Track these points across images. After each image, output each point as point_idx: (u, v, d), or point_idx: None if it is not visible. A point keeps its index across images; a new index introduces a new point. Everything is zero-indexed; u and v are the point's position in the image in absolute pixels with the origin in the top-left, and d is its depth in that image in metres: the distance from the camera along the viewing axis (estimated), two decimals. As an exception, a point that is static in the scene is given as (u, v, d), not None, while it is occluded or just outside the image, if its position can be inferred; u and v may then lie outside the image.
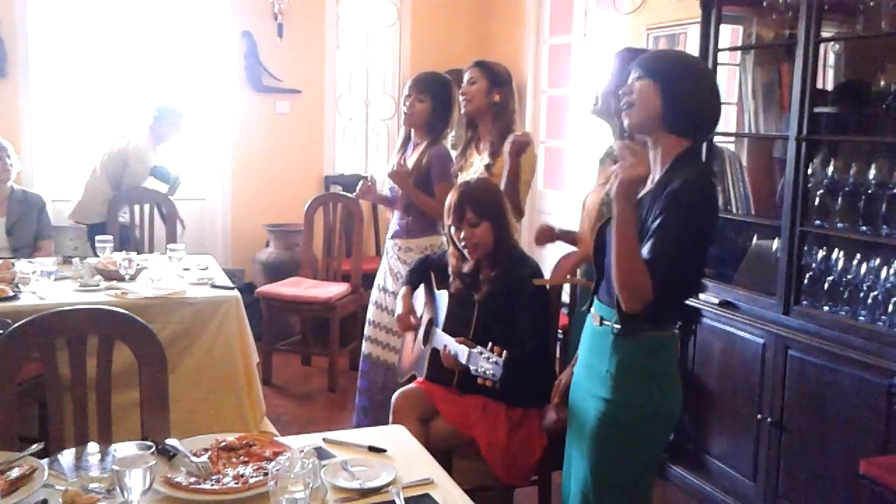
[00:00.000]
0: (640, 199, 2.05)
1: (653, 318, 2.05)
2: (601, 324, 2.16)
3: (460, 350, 2.58)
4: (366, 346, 3.76)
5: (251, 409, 3.58)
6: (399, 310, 3.09)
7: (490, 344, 2.46)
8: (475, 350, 2.49)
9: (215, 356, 3.47)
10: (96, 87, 5.66)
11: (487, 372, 2.42)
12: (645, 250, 1.97)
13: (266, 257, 5.68)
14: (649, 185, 2.10)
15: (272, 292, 4.89)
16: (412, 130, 3.73)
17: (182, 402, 3.17)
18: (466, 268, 2.92)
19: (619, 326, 2.07)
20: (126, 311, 2.23)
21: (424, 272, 3.13)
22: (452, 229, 2.87)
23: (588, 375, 2.22)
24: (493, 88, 3.39)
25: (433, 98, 3.62)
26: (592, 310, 2.23)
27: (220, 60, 5.81)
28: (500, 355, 2.40)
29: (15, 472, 1.69)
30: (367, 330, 3.77)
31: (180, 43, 5.79)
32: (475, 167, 3.39)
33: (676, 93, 2.03)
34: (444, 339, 2.76)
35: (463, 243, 2.84)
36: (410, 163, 3.65)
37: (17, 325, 2.11)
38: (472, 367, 2.49)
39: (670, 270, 1.96)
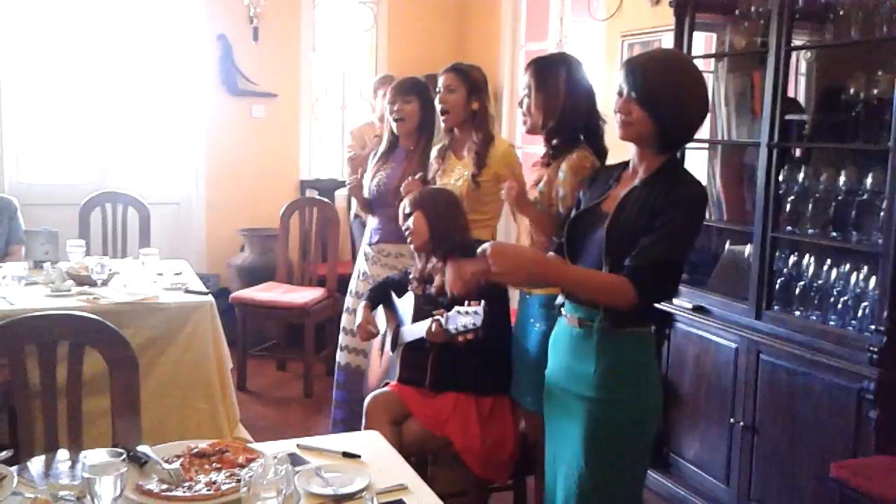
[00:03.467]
0: (628, 193, 2.13)
1: (637, 314, 2.09)
2: (580, 325, 2.17)
3: (438, 318, 2.59)
4: (341, 357, 3.71)
5: (225, 416, 3.54)
6: (358, 319, 3.11)
7: (466, 301, 2.48)
8: (450, 313, 2.52)
9: (189, 362, 3.44)
10: (70, 89, 5.60)
11: (469, 324, 2.43)
12: (646, 244, 2.03)
13: (241, 262, 5.64)
14: (633, 182, 2.14)
15: (247, 297, 4.87)
16: (399, 139, 3.63)
17: (154, 408, 3.15)
18: (424, 268, 2.98)
19: (605, 324, 2.10)
20: (97, 317, 2.21)
21: (385, 292, 3.16)
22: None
23: (568, 378, 2.22)
24: (472, 97, 3.28)
25: (419, 98, 3.56)
26: (565, 312, 2.23)
27: (195, 63, 5.77)
28: (478, 305, 2.42)
29: (-17, 480, 1.67)
30: (342, 339, 3.72)
31: (155, 45, 5.74)
32: (457, 174, 3.29)
33: (669, 126, 2.08)
34: (414, 329, 2.78)
35: (407, 232, 2.97)
36: (398, 173, 3.56)
37: (-15, 330, 2.09)
38: (451, 328, 2.50)
39: (665, 270, 2.06)
